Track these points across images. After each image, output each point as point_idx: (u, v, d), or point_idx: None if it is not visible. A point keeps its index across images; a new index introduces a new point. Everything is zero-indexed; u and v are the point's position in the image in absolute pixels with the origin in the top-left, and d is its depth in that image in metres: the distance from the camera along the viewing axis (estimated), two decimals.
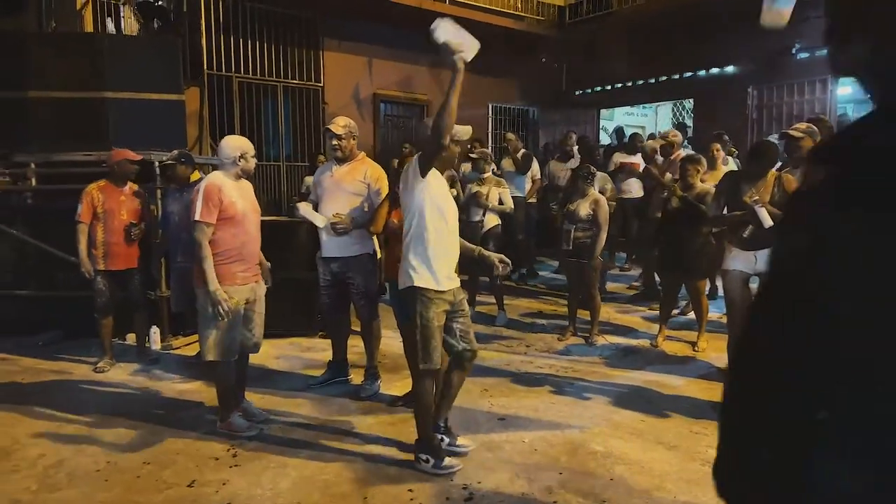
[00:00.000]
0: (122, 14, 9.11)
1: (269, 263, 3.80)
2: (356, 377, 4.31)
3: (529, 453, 3.27)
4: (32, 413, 3.85)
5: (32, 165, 5.83)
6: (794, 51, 8.27)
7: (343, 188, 3.96)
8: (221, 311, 3.28)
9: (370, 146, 8.96)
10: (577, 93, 11.22)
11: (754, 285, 3.70)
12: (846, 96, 10.29)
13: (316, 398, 4.08)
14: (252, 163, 3.54)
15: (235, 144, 3.51)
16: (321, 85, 8.59)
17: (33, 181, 5.89)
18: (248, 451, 3.32)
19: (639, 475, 3.02)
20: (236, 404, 3.74)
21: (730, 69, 9.06)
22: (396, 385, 4.23)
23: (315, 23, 8.45)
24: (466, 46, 2.73)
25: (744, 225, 3.58)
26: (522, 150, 7.85)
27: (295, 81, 8.35)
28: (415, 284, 2.99)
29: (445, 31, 2.71)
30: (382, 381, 4.24)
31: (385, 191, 3.98)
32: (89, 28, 8.38)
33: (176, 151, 4.89)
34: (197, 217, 3.32)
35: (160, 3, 8.42)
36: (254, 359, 4.79)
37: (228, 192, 3.39)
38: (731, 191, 3.67)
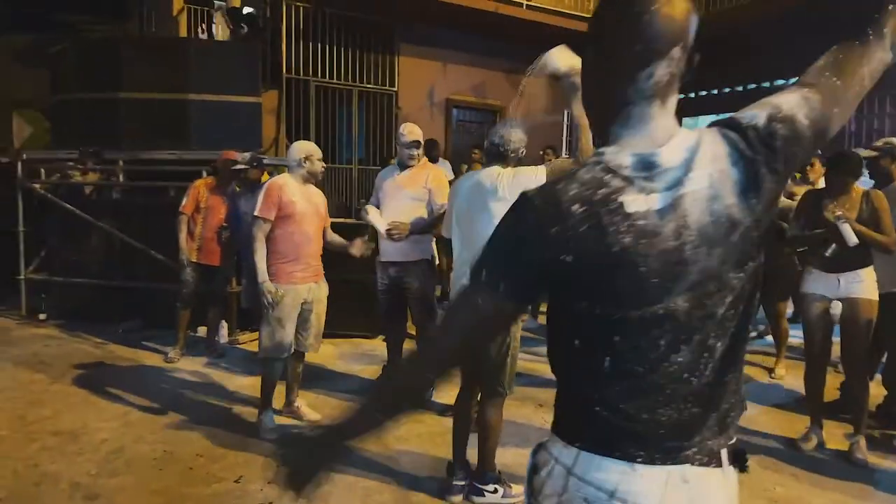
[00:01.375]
0: (213, 20, 9.58)
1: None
2: None
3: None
4: (104, 398, 4.05)
5: (121, 162, 6.19)
6: None
7: (404, 193, 3.95)
8: (266, 302, 3.37)
9: (441, 152, 8.96)
10: None
11: (836, 311, 3.39)
12: None
13: None
14: (318, 165, 3.61)
15: (301, 147, 3.62)
16: (395, 89, 8.68)
17: (121, 177, 6.25)
18: None
19: None
20: (289, 402, 3.81)
21: (780, 83, 8.49)
22: (450, 393, 4.14)
23: (391, 28, 8.55)
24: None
25: (826, 243, 3.28)
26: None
27: (370, 86, 8.48)
28: None
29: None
30: (436, 389, 4.19)
31: (446, 197, 3.94)
32: (184, 33, 8.85)
33: (248, 155, 5.04)
34: (256, 212, 3.45)
35: (250, 10, 8.78)
36: (315, 358, 4.91)
37: (290, 192, 3.47)
38: (813, 208, 3.38)
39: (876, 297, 3.33)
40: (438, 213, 3.87)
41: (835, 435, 3.56)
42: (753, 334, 5.48)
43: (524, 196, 1.03)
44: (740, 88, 9.29)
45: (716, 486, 1.04)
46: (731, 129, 1.01)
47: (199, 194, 4.90)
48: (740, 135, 0.99)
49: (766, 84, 9.00)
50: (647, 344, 1.00)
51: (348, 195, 8.46)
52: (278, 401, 3.81)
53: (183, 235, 4.84)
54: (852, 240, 3.16)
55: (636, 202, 0.95)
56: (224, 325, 5.50)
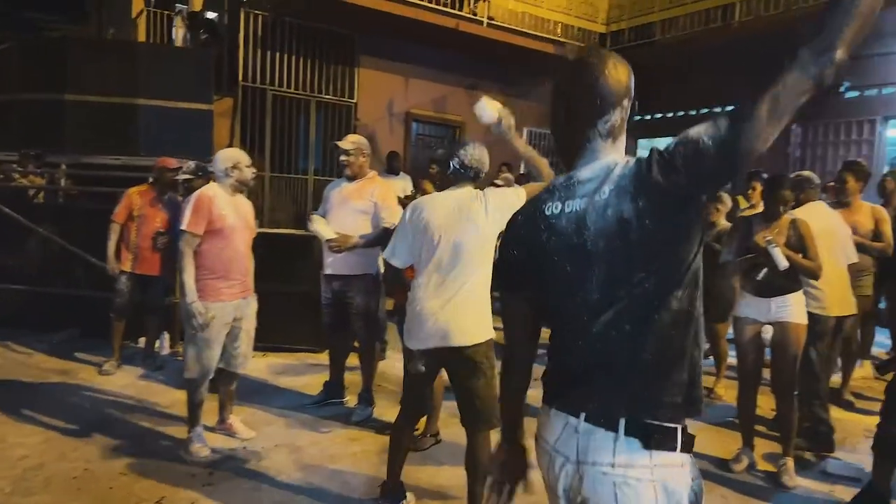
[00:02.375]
0: (173, 24, 9.43)
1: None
2: (353, 400, 4.22)
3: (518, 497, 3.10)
4: (28, 412, 3.88)
5: (63, 166, 6.01)
6: (842, 89, 7.93)
7: (350, 205, 3.91)
8: (196, 324, 3.23)
9: (403, 165, 8.95)
10: None
11: (767, 336, 3.46)
12: None
13: (306, 419, 4.00)
14: (247, 173, 3.48)
15: (228, 156, 3.48)
16: (354, 101, 8.65)
17: (63, 181, 6.06)
18: (224, 471, 3.25)
19: None
20: (222, 419, 3.70)
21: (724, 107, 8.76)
22: (392, 411, 4.09)
23: (351, 40, 8.53)
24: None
25: (757, 268, 3.35)
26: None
27: (328, 97, 8.42)
28: (492, 337, 2.67)
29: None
30: (379, 407, 4.14)
31: (393, 211, 3.91)
32: (143, 37, 8.68)
33: (193, 164, 4.94)
34: (183, 226, 3.28)
35: (212, 15, 8.66)
36: (255, 372, 4.82)
37: (220, 205, 3.34)
38: (745, 233, 3.46)
39: (805, 321, 3.42)
40: (385, 227, 3.84)
41: (771, 456, 3.62)
42: None
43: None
44: (693, 112, 9.55)
45: (602, 445, 1.25)
46: (647, 154, 1.24)
47: (132, 202, 4.77)
48: (649, 158, 1.22)
49: (718, 107, 9.25)
50: (567, 318, 1.33)
51: (304, 205, 8.36)
52: (212, 417, 3.71)
53: (112, 244, 4.71)
54: (783, 264, 3.24)
55: (552, 207, 1.33)
56: (166, 336, 5.35)
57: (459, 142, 2.83)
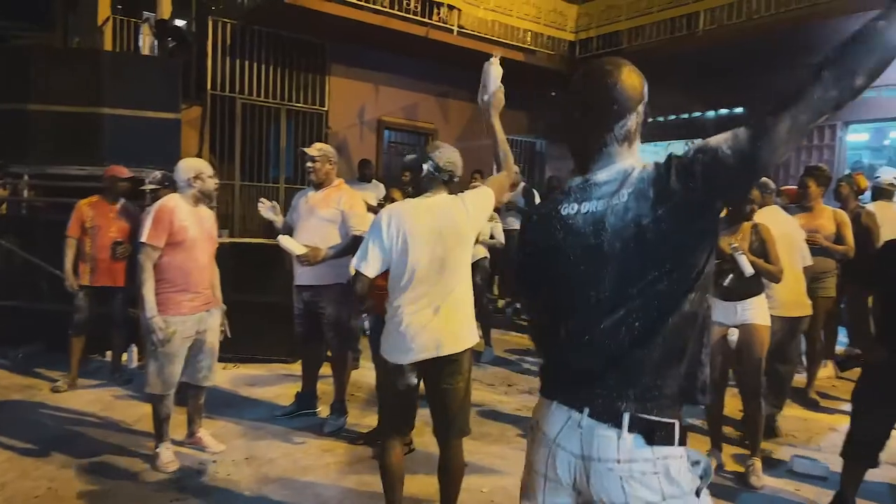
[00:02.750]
0: (141, 32, 9.30)
1: (224, 306, 3.65)
2: (326, 410, 4.18)
3: (485, 503, 3.11)
4: None
5: (26, 177, 5.88)
6: None
7: (317, 215, 3.89)
8: (156, 339, 3.17)
9: (375, 172, 8.94)
10: None
11: (733, 338, 3.53)
12: (860, 142, 10.14)
13: (278, 430, 3.95)
14: (210, 184, 3.42)
15: (190, 166, 3.41)
16: (325, 109, 8.62)
17: (26, 192, 5.93)
18: (193, 485, 3.20)
19: None
20: (191, 433, 3.64)
21: (739, 110, 8.96)
22: (365, 421, 4.09)
23: (322, 48, 8.51)
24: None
25: (724, 274, 3.42)
26: (523, 185, 7.77)
27: (299, 105, 8.38)
28: (471, 346, 2.64)
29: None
30: (352, 416, 4.11)
31: (361, 218, 3.91)
32: (110, 45, 8.55)
33: (159, 174, 4.87)
34: (143, 238, 3.20)
35: (181, 22, 8.57)
36: (226, 384, 4.77)
37: (181, 217, 3.28)
38: None
39: (768, 322, 3.50)
40: (355, 235, 3.83)
41: (739, 457, 3.68)
42: None
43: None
44: (699, 114, 9.70)
45: (606, 442, 1.30)
46: (664, 159, 1.30)
47: (83, 215, 4.64)
48: (667, 164, 1.28)
49: (712, 113, 9.45)
50: (577, 314, 1.36)
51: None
52: (181, 430, 3.65)
53: (69, 260, 4.59)
54: (748, 270, 3.31)
55: (569, 208, 1.38)
56: (134, 349, 5.25)
57: (433, 145, 2.68)
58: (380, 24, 8.00)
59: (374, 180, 7.62)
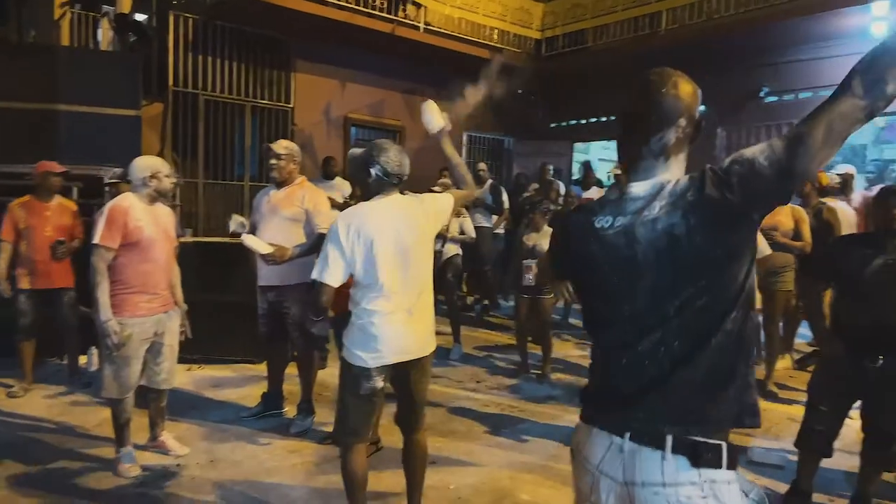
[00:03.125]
0: (99, 26, 9.04)
1: (185, 306, 3.58)
2: (293, 410, 4.14)
3: (453, 501, 3.12)
4: None
5: None
6: (761, 94, 8.35)
7: (280, 214, 3.84)
8: (110, 343, 3.10)
9: (340, 170, 8.86)
10: (552, 125, 11.25)
11: None
12: None
13: (244, 432, 3.90)
14: (166, 183, 3.33)
15: (145, 164, 3.32)
16: (291, 106, 8.51)
17: None
18: (156, 489, 3.14)
19: None
20: (153, 436, 3.58)
21: (700, 109, 9.12)
22: (332, 420, 4.05)
23: (287, 44, 8.40)
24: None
25: None
26: (490, 182, 7.80)
27: (264, 101, 8.26)
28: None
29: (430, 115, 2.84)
30: (319, 416, 4.08)
31: (326, 216, 3.87)
32: (67, 40, 8.30)
33: (120, 170, 4.76)
34: (96, 240, 3.09)
35: (141, 17, 8.35)
36: (190, 385, 4.69)
37: (136, 216, 3.19)
38: None
39: None
40: (320, 233, 3.80)
41: None
42: None
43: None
44: None
45: (650, 465, 1.25)
46: (699, 172, 1.29)
47: (16, 217, 4.46)
48: (702, 175, 1.27)
49: None
50: (614, 331, 1.35)
51: (241, 212, 8.17)
52: (143, 434, 3.58)
53: (3, 263, 4.41)
54: None
55: (604, 221, 1.36)
56: (94, 351, 5.12)
57: (377, 146, 2.59)
58: (345, 20, 7.94)
59: (338, 178, 7.56)
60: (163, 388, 3.47)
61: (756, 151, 1.22)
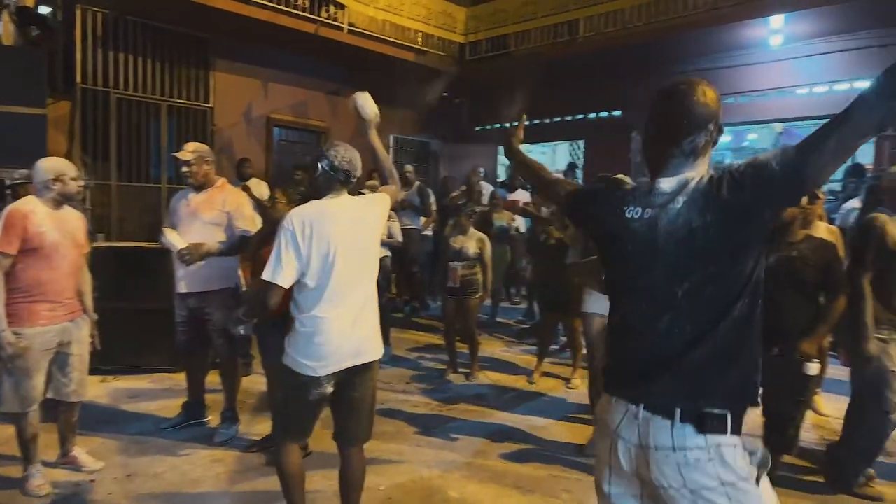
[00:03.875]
0: (0, 19, 8.45)
1: (95, 316, 3.41)
2: (215, 419, 4.03)
3: (383, 502, 3.13)
4: None
5: None
6: None
7: (200, 217, 3.72)
8: (5, 355, 2.91)
9: (263, 172, 8.67)
10: (476, 128, 11.43)
11: None
12: (724, 143, 11.08)
13: (164, 443, 3.76)
14: (71, 185, 3.15)
15: (49, 166, 3.13)
16: (210, 106, 8.23)
17: None
18: None
19: None
20: (64, 452, 3.39)
21: (617, 113, 9.52)
22: (256, 428, 3.99)
23: (206, 42, 8.12)
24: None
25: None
26: (417, 184, 7.84)
27: (181, 101, 7.95)
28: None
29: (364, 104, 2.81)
30: (243, 424, 4.00)
31: (248, 219, 3.80)
32: None
33: (25, 171, 4.48)
34: None
35: (46, 10, 7.85)
36: (104, 398, 4.47)
37: (37, 221, 3.00)
38: (588, 236, 3.74)
39: None
40: (243, 235, 3.72)
41: None
42: (555, 347, 5.91)
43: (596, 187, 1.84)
44: (581, 116, 10.11)
45: (661, 431, 1.42)
46: (719, 173, 1.45)
47: None
48: (720, 176, 1.43)
49: (593, 115, 9.93)
50: (632, 307, 1.53)
51: (158, 214, 7.83)
52: (54, 450, 3.39)
53: None
54: None
55: (633, 211, 1.53)
56: None
57: (330, 142, 2.56)
58: (267, 19, 7.76)
59: (254, 178, 7.40)
60: (72, 400, 3.29)
61: (770, 156, 1.36)
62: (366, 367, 2.53)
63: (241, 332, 2.61)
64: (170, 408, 4.30)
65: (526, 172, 2.03)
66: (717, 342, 1.41)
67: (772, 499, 1.47)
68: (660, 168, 1.54)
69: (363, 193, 6.61)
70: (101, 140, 7.27)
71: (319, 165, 2.46)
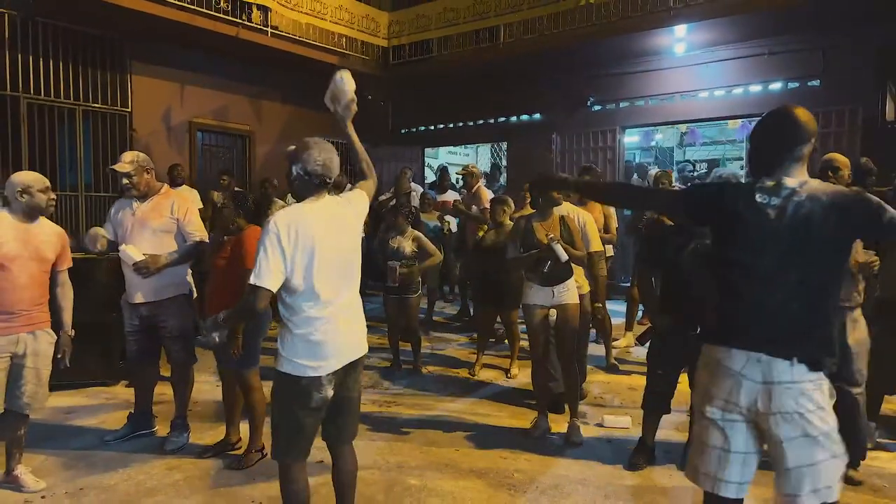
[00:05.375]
0: None
1: (72, 332, 3.42)
2: (163, 429, 3.98)
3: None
4: None
5: None
6: (588, 103, 9.30)
7: (149, 226, 3.68)
8: None
9: (187, 176, 8.45)
10: (402, 131, 11.58)
11: (553, 318, 4.04)
12: (633, 144, 11.79)
13: (113, 456, 3.69)
14: (39, 198, 3.16)
15: (17, 179, 3.17)
16: (129, 110, 7.96)
17: None
18: None
19: None
20: (9, 470, 3.29)
21: (537, 116, 9.95)
22: (208, 434, 3.98)
23: (122, 44, 7.84)
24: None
25: (543, 262, 3.87)
26: (349, 186, 7.89)
27: (97, 105, 7.64)
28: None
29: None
30: (194, 431, 3.97)
31: (198, 224, 3.79)
32: None
33: None
34: None
35: None
36: (39, 416, 4.27)
37: None
38: (525, 231, 3.99)
39: (577, 300, 4.04)
40: (195, 241, 3.72)
41: (555, 419, 4.21)
42: (492, 340, 6.17)
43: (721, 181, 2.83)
44: (504, 119, 10.42)
45: (782, 370, 1.90)
46: (857, 194, 1.95)
47: None
48: (860, 197, 1.93)
49: (514, 118, 10.28)
50: (750, 276, 1.97)
51: (76, 224, 7.50)
52: None
53: None
54: (564, 256, 3.79)
55: (763, 197, 1.98)
56: None
57: (302, 143, 2.45)
58: (185, 21, 7.58)
59: (184, 185, 7.25)
60: (24, 412, 3.23)
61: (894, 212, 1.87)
62: (356, 364, 2.55)
63: (217, 339, 2.57)
64: (110, 421, 4.21)
65: (609, 197, 2.73)
66: (817, 317, 1.94)
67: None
68: (775, 167, 2.00)
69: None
70: (11, 146, 6.89)
71: (294, 170, 2.43)
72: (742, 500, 2.03)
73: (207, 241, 3.80)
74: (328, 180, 2.42)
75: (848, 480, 2.99)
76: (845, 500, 2.31)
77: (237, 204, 3.63)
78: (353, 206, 2.57)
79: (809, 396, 1.89)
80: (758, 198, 1.97)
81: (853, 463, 3.15)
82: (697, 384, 2.13)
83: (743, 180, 2.40)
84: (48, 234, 3.29)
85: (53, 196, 3.30)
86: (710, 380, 2.05)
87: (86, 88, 7.55)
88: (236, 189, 6.71)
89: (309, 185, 2.43)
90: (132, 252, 3.50)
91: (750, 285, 1.98)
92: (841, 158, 3.12)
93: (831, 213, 1.88)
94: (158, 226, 3.68)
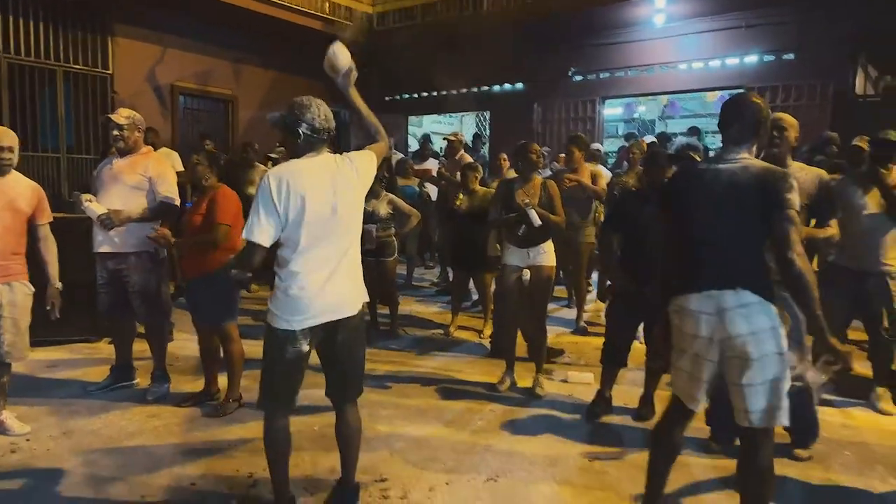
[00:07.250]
0: None
1: (59, 285, 3.54)
2: (144, 382, 4.14)
3: (318, 439, 3.42)
4: None
5: None
6: (570, 73, 9.38)
7: (121, 181, 3.80)
8: None
9: (169, 140, 8.49)
10: (386, 98, 11.59)
11: (526, 278, 4.22)
12: (615, 116, 11.90)
13: (95, 404, 3.85)
14: (5, 154, 3.31)
15: None
16: (110, 72, 7.95)
17: None
18: (7, 464, 3.08)
19: (416, 449, 3.33)
20: None
21: (519, 86, 10.01)
22: (189, 387, 4.14)
23: (103, 6, 7.79)
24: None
25: (518, 225, 4.04)
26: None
27: (78, 66, 7.63)
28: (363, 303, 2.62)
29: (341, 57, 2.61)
30: (174, 382, 4.13)
31: (170, 185, 3.90)
32: None
33: None
34: None
35: None
36: (23, 369, 4.41)
37: None
38: (506, 195, 4.15)
39: (553, 263, 4.21)
40: (163, 201, 3.82)
41: (523, 376, 4.41)
42: (468, 304, 6.35)
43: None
44: (487, 88, 10.47)
45: (730, 298, 2.22)
46: (780, 174, 2.24)
47: None
48: (776, 177, 2.22)
49: (497, 87, 10.31)
50: (694, 231, 2.35)
51: (57, 185, 7.54)
52: None
53: None
54: (537, 221, 3.96)
55: (704, 164, 2.45)
56: None
57: (299, 104, 2.43)
58: None
59: (164, 148, 7.29)
60: (5, 360, 3.36)
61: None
62: (346, 322, 2.51)
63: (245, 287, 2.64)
64: (93, 374, 4.35)
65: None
66: (752, 260, 2.24)
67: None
68: (724, 142, 2.38)
69: (272, 157, 6.58)
70: None
71: (300, 131, 2.40)
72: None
73: (177, 203, 3.91)
74: (332, 132, 2.46)
75: (796, 458, 3.24)
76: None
77: (210, 162, 3.77)
78: (354, 163, 2.51)
79: (757, 314, 2.19)
80: (701, 165, 2.36)
81: (803, 444, 3.33)
82: (674, 330, 2.44)
83: (700, 148, 2.85)
84: (24, 188, 3.41)
85: (10, 155, 3.36)
86: (680, 323, 2.39)
87: (66, 49, 7.52)
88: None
89: (316, 141, 2.43)
90: (95, 207, 3.62)
91: (694, 241, 2.34)
92: (788, 119, 3.18)
93: (753, 182, 2.22)
94: (132, 182, 3.79)
